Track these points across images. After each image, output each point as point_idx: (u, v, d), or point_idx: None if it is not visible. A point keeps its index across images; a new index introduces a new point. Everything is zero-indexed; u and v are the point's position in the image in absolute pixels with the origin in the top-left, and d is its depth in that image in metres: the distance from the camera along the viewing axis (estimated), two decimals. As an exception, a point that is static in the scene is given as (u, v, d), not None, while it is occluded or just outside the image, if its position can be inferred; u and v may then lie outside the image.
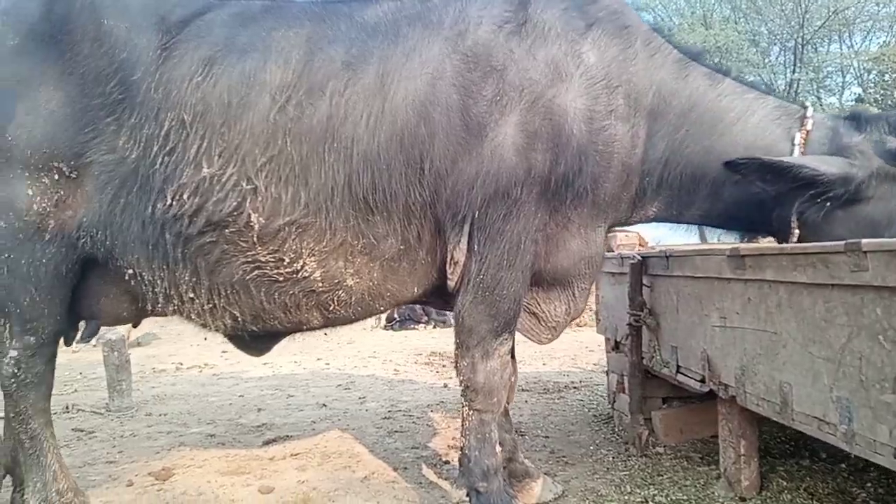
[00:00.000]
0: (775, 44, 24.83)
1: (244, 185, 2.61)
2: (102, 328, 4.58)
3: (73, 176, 2.68)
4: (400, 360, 8.82)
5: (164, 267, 2.71)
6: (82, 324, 3.14)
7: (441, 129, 2.66)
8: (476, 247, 2.73)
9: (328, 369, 8.15)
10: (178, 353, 10.02)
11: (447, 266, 2.81)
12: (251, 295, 2.74)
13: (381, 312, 3.02)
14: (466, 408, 2.91)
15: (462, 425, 2.95)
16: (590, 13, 2.88)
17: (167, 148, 2.61)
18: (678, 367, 3.50)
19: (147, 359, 9.47)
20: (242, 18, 2.77)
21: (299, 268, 2.69)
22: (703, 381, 3.20)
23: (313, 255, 2.69)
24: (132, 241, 2.69)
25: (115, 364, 6.02)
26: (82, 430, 5.32)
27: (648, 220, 3.09)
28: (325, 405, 5.97)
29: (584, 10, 2.88)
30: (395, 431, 4.87)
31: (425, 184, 2.68)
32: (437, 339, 11.16)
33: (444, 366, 8.24)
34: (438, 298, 3.05)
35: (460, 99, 2.67)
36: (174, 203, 2.62)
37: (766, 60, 23.94)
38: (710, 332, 3.12)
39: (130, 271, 2.76)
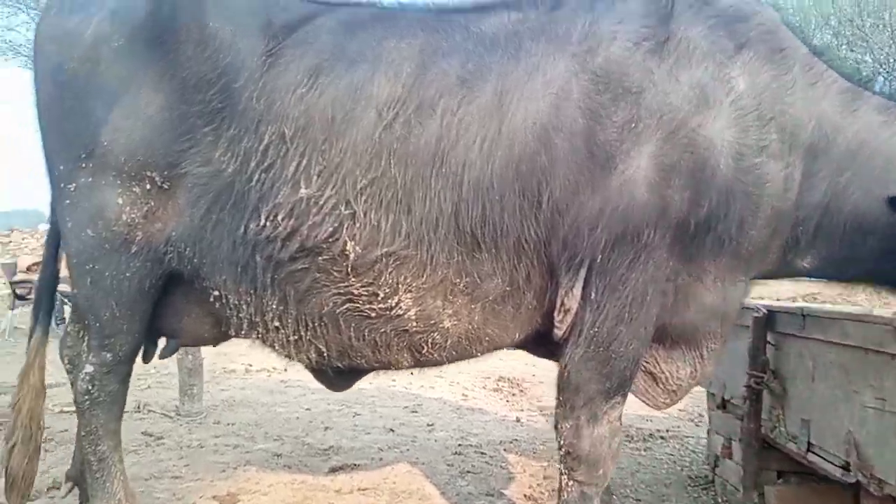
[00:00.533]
0: (880, 73, 23.15)
1: (342, 209, 2.38)
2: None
3: (166, 187, 2.52)
4: (467, 382, 8.49)
5: (252, 292, 2.51)
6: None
7: (563, 158, 2.35)
8: (593, 294, 2.40)
9: (394, 387, 7.91)
10: (249, 354, 9.93)
11: (556, 313, 2.49)
12: (340, 330, 2.51)
13: (476, 357, 2.72)
14: (566, 476, 2.57)
15: (559, 496, 2.61)
16: (739, 32, 2.50)
17: (265, 164, 2.41)
18: (809, 444, 3.03)
19: (218, 357, 9.48)
20: (352, 26, 2.55)
21: (394, 304, 2.44)
22: (846, 468, 2.72)
23: (410, 291, 2.43)
24: (221, 261, 2.51)
25: (188, 367, 5.98)
26: (151, 435, 5.28)
27: (797, 275, 2.66)
28: (392, 430, 5.72)
29: (733, 29, 2.50)
30: (468, 472, 4.55)
31: (541, 219, 2.37)
32: (504, 361, 10.68)
33: (513, 394, 7.88)
34: (540, 346, 2.74)
35: (587, 124, 2.36)
36: (268, 224, 2.42)
37: (869, 91, 22.30)
38: (860, 412, 2.65)
39: (216, 293, 2.58)
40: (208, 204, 2.48)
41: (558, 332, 2.51)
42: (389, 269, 2.40)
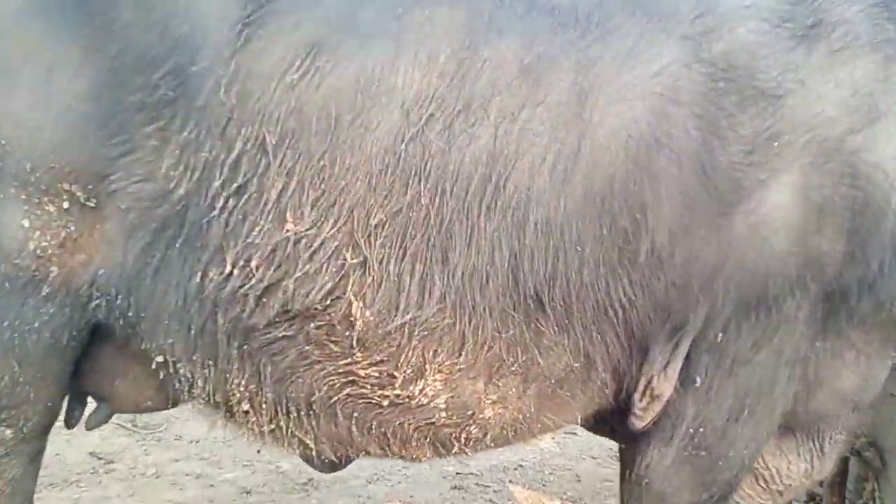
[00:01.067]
0: None
1: (347, 255, 1.70)
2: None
3: (91, 205, 1.81)
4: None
5: (211, 364, 1.83)
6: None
7: (669, 187, 1.71)
8: (699, 379, 1.79)
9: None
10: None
11: (638, 398, 1.87)
12: (336, 421, 1.85)
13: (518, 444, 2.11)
14: None
15: None
16: None
17: (235, 184, 1.71)
18: (921, 541, 2.43)
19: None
20: None
21: (417, 390, 1.78)
22: None
23: (441, 372, 1.78)
24: (166, 319, 1.81)
25: (145, 375, 5.24)
26: (100, 458, 4.59)
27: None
28: (380, 450, 5.08)
29: None
30: (469, 515, 3.95)
31: (635, 275, 1.73)
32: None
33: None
34: (602, 426, 2.12)
35: (703, 139, 1.70)
36: (236, 272, 1.72)
37: None
38: None
39: (161, 359, 1.88)
40: (149, 237, 1.77)
41: (638, 423, 1.90)
42: (413, 343, 1.74)
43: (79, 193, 1.80)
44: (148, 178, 1.75)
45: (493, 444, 1.98)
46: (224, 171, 1.71)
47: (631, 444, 1.99)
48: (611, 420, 2.01)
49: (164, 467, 4.44)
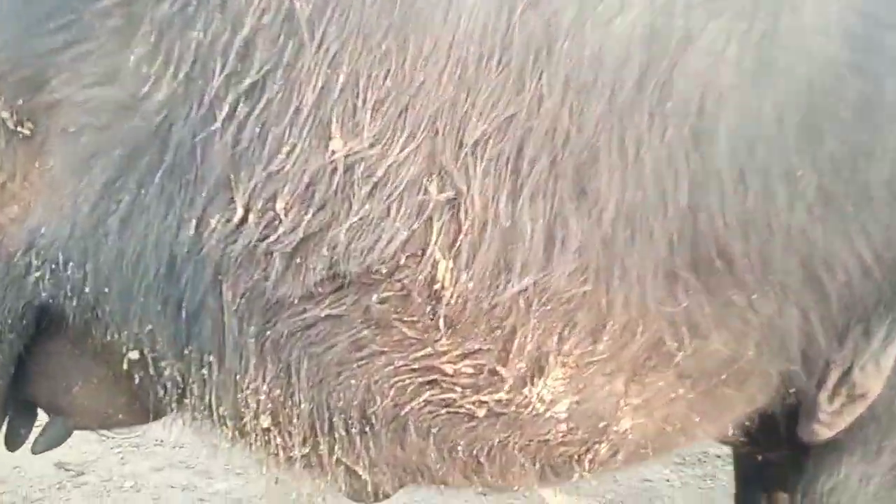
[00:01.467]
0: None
1: (430, 188, 1.19)
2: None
3: (24, 132, 1.35)
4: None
5: (212, 360, 1.33)
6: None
7: None
8: None
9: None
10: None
11: (827, 397, 1.37)
12: (404, 441, 1.35)
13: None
14: None
15: None
16: None
17: (246, 80, 1.21)
18: None
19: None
20: None
21: (531, 395, 1.27)
22: None
23: (565, 366, 1.26)
24: (142, 295, 1.31)
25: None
26: (69, 469, 4.13)
27: None
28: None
29: None
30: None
31: (863, 215, 1.25)
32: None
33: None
34: (749, 441, 1.63)
35: None
36: (252, 219, 1.23)
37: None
38: None
39: (135, 355, 1.38)
40: (113, 170, 1.27)
41: (823, 432, 1.40)
42: (532, 323, 1.23)
43: (3, 114, 1.31)
44: (108, 80, 1.25)
45: (622, 466, 1.49)
46: (228, 62, 1.19)
47: (794, 455, 1.50)
48: (767, 437, 1.53)
49: (143, 478, 4.00)
